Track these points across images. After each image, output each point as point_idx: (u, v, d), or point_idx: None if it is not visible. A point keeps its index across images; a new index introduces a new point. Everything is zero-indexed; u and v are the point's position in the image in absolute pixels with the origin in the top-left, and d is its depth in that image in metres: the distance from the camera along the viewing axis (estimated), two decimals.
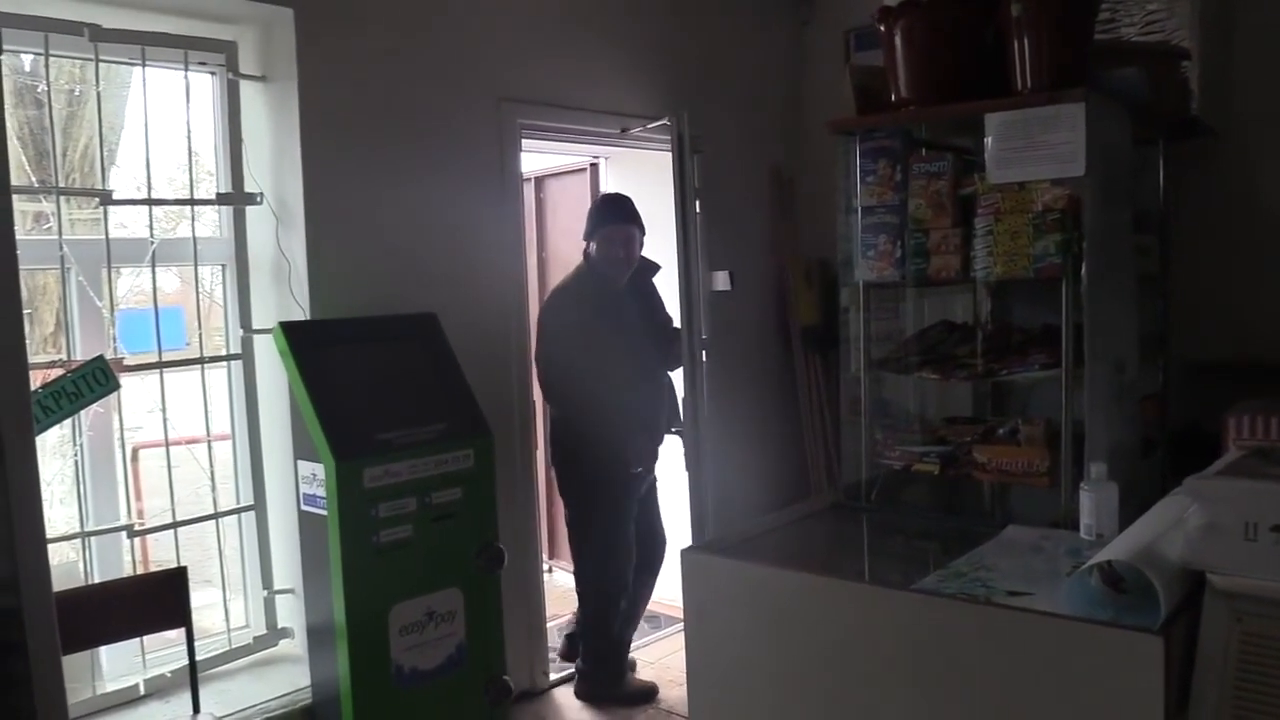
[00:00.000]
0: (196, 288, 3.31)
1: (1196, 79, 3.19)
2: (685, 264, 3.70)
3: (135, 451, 3.95)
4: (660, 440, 3.97)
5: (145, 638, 3.08)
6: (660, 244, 4.26)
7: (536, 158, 4.83)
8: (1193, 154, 3.39)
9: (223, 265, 3.37)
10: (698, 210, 4.41)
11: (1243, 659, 1.71)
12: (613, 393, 3.74)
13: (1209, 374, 3.33)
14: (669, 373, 4.07)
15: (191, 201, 3.24)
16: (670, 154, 3.97)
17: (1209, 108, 3.24)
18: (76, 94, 3.32)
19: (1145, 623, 1.75)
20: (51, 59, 2.90)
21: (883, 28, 2.71)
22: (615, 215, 3.92)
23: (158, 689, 3.09)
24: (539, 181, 5.38)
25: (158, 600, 2.82)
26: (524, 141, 3.89)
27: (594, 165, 4.99)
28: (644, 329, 3.97)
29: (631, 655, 4.15)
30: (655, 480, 4.11)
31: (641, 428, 3.83)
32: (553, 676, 4.04)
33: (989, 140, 2.51)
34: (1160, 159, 3.26)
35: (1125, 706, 1.75)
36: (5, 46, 2.73)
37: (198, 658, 2.85)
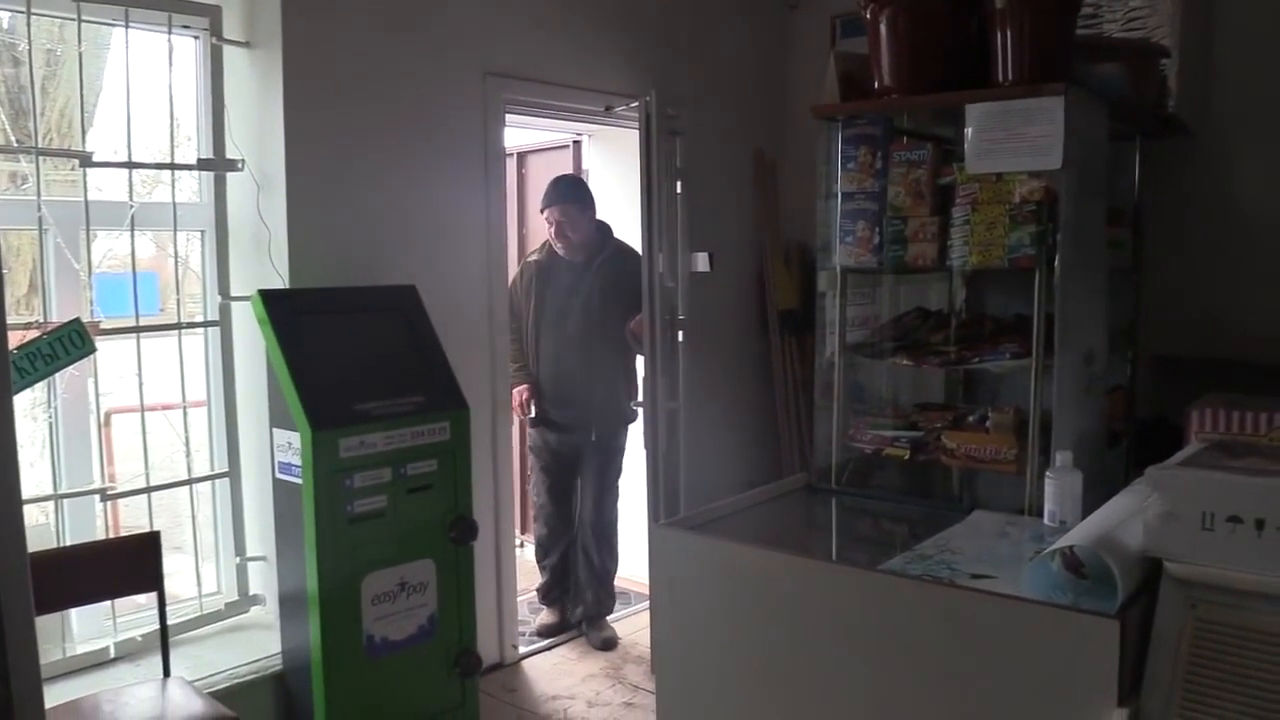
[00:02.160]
0: (176, 253, 3.30)
1: (1175, 77, 3.22)
2: (648, 246, 3.74)
3: (108, 417, 3.94)
4: (572, 410, 4.24)
5: (115, 603, 3.09)
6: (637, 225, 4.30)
7: (519, 133, 4.82)
8: (1169, 151, 3.43)
9: (202, 231, 3.35)
10: (679, 191, 4.45)
11: (1195, 644, 1.76)
12: (526, 351, 4.27)
13: (1177, 368, 3.39)
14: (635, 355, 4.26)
15: (172, 166, 3.22)
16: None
17: (1186, 106, 3.29)
18: (58, 54, 3.29)
19: (1103, 607, 1.80)
20: (31, 17, 2.87)
21: (868, 15, 2.73)
22: (547, 197, 4.25)
23: (128, 652, 3.11)
24: (521, 157, 5.38)
25: (130, 564, 2.83)
26: (507, 116, 3.89)
27: (577, 142, 5.00)
28: (590, 306, 4.20)
29: (610, 633, 4.29)
30: (596, 464, 4.31)
31: (534, 381, 4.27)
32: (522, 649, 4.08)
33: (969, 131, 2.54)
34: (1137, 155, 3.31)
35: (1082, 687, 1.80)
36: None
37: (169, 623, 2.86)
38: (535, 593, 4.49)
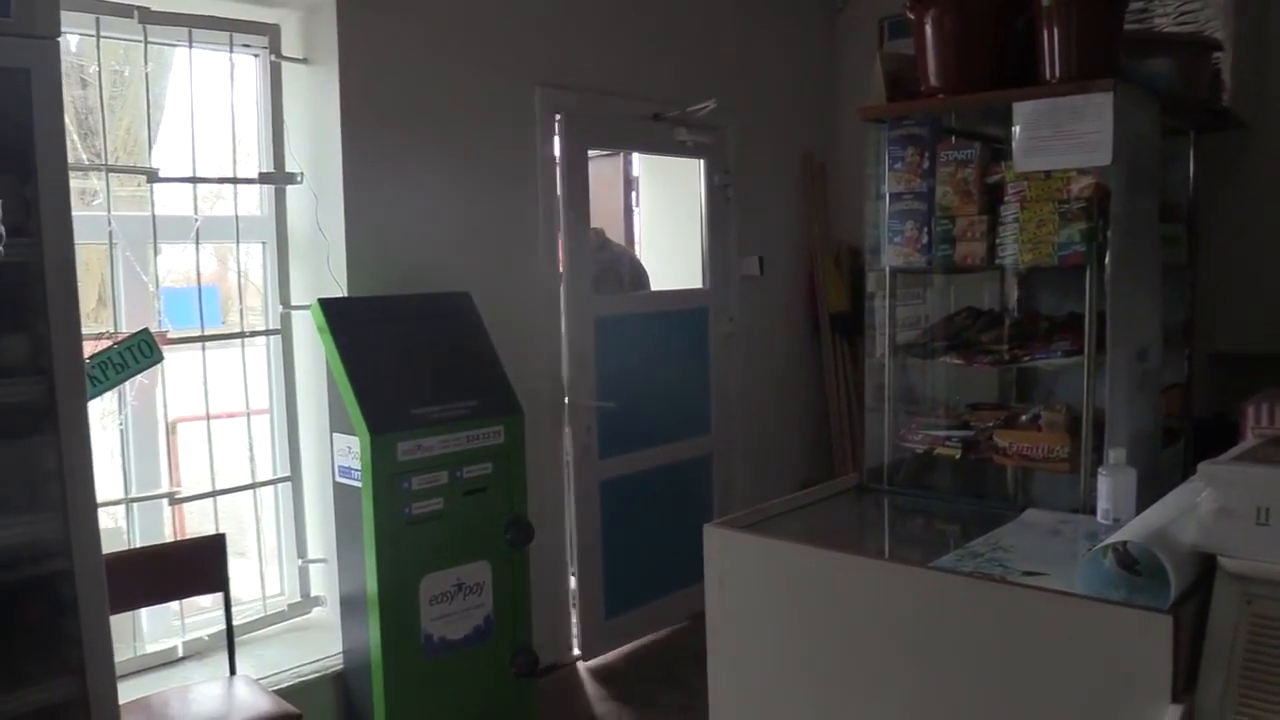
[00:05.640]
0: (239, 264, 3.40)
1: (1229, 70, 3.18)
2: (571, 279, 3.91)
3: (174, 425, 4.05)
4: None
5: (182, 605, 3.19)
6: (684, 235, 4.36)
7: None
8: (1224, 145, 3.38)
9: (263, 242, 3.45)
10: (729, 197, 4.49)
11: (1251, 640, 1.74)
12: None
13: (1236, 364, 3.34)
14: None
15: (234, 180, 3.32)
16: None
17: (1241, 99, 3.24)
18: (124, 74, 3.41)
19: (1156, 603, 1.79)
20: (99, 40, 2.98)
21: (913, 16, 2.74)
22: None
23: (195, 651, 3.20)
24: None
25: (198, 565, 2.93)
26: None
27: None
28: None
29: None
30: None
31: None
32: (578, 651, 4.12)
33: (1016, 129, 2.53)
34: (1191, 150, 3.27)
35: (1136, 683, 1.78)
36: None
37: (234, 623, 2.95)
38: None
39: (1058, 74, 2.52)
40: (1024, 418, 2.80)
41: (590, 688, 3.89)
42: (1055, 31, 2.51)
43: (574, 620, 4.12)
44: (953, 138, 2.85)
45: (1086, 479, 2.51)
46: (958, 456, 2.78)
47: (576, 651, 4.10)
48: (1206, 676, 1.77)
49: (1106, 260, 2.49)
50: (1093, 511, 2.38)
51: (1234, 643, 1.76)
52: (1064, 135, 2.46)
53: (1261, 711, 1.71)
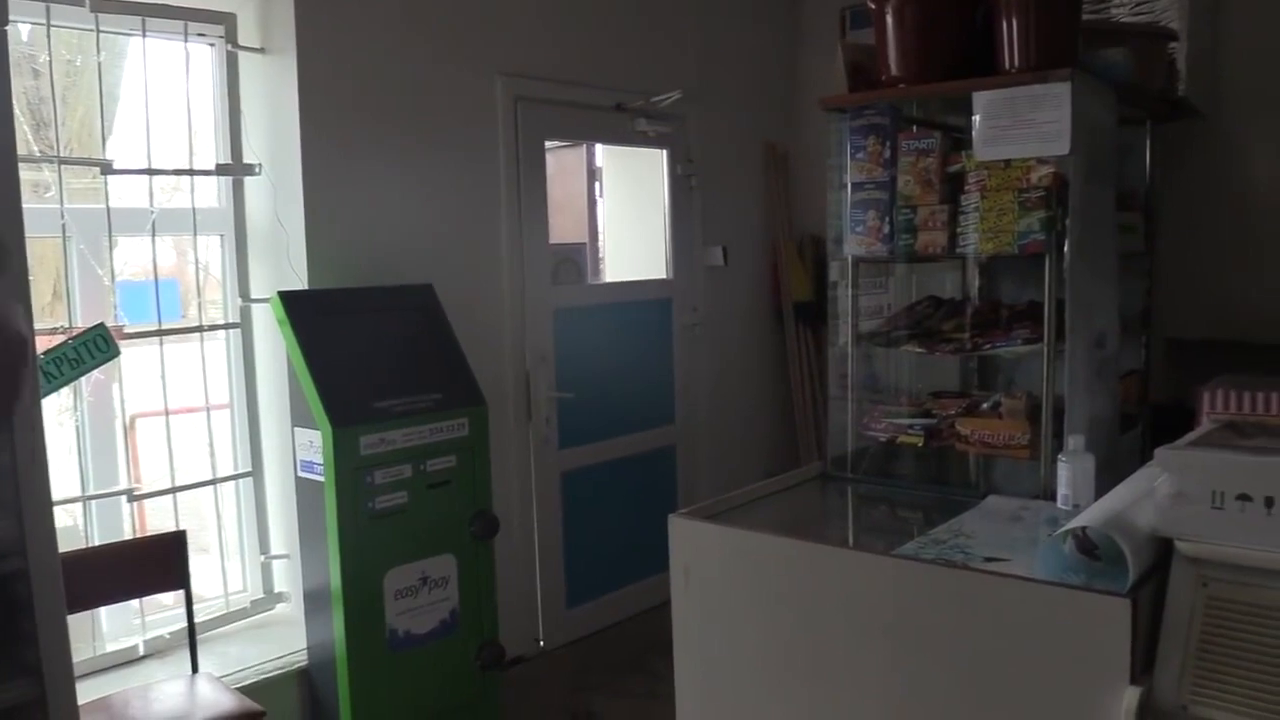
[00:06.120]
0: (196, 257, 3.35)
1: (1184, 60, 3.23)
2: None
3: (133, 421, 3.99)
4: None
5: (143, 604, 3.15)
6: (648, 225, 4.36)
7: None
8: (1180, 134, 3.43)
9: (221, 235, 3.40)
10: (692, 186, 4.50)
11: (1207, 622, 1.77)
12: None
13: (1192, 350, 3.39)
14: None
15: (191, 172, 3.27)
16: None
17: (1196, 89, 3.29)
18: (77, 64, 3.34)
19: (1115, 587, 1.81)
20: (50, 29, 2.92)
21: (874, 6, 2.75)
22: None
23: (157, 650, 3.16)
24: None
25: (158, 562, 2.89)
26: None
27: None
28: None
29: None
30: None
31: None
32: (545, 643, 4.11)
33: (976, 118, 2.55)
34: (1148, 139, 3.31)
35: (1095, 666, 1.81)
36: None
37: (196, 620, 2.91)
38: None
39: (1017, 64, 2.55)
40: (985, 405, 2.83)
41: (556, 678, 3.88)
42: (1014, 22, 2.54)
43: (540, 611, 4.11)
44: (914, 127, 2.87)
45: (1047, 465, 2.55)
46: (920, 444, 2.80)
47: (542, 643, 4.10)
48: (1164, 658, 1.80)
49: (1065, 248, 2.52)
50: (1053, 497, 2.42)
51: (1190, 625, 1.79)
52: (1023, 124, 2.48)
53: (1217, 691, 1.74)
